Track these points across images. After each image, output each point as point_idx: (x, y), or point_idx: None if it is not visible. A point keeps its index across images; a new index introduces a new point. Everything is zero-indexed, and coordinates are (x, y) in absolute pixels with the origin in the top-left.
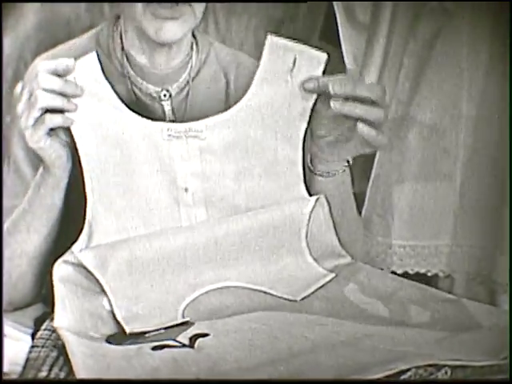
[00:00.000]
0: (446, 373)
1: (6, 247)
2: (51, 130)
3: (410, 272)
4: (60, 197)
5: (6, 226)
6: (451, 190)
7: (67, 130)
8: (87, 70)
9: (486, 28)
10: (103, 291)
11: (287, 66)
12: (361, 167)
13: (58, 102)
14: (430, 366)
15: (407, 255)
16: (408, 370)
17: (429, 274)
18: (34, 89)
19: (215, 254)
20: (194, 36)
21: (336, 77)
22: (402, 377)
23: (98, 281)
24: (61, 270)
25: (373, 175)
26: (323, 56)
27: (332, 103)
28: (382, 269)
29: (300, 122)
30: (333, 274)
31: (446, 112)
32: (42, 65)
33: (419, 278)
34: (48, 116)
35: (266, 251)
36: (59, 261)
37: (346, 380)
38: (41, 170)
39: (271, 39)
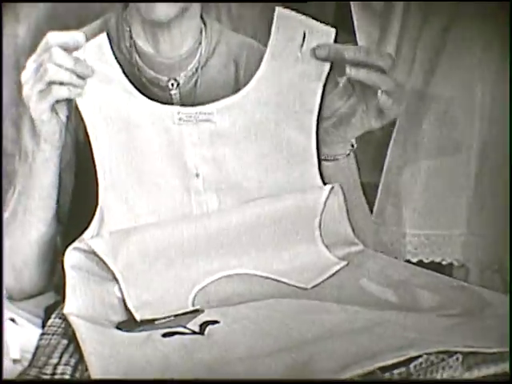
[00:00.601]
0: (457, 359)
1: (8, 234)
2: (55, 104)
3: (425, 261)
4: (50, 176)
5: (6, 213)
6: (465, 180)
7: (77, 113)
8: (98, 52)
9: (499, 17)
10: (114, 278)
11: (297, 42)
12: (373, 157)
13: (67, 77)
14: (441, 352)
15: (421, 244)
16: (419, 356)
17: (443, 263)
18: (44, 61)
19: (226, 241)
20: (204, 23)
21: (348, 45)
22: (413, 363)
23: (109, 268)
24: (72, 256)
25: (386, 165)
26: (332, 31)
27: (348, 68)
28: (396, 257)
29: (311, 104)
30: (344, 262)
31: (460, 102)
32: (54, 37)
33: (434, 267)
34: (55, 87)
35: (278, 239)
36: (70, 248)
37: (347, 380)
38: (31, 147)
39: (279, 11)
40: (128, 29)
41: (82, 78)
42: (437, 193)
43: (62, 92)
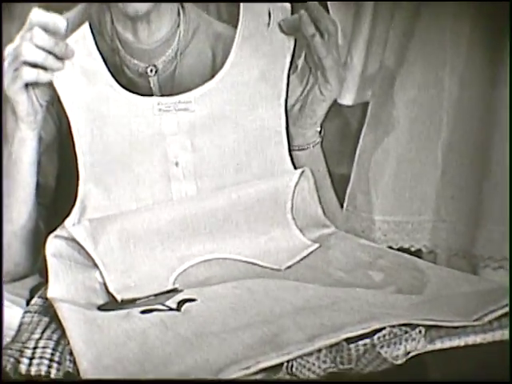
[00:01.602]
0: (420, 332)
1: None
2: (29, 85)
3: (394, 247)
4: (28, 155)
5: None
6: (433, 167)
7: (60, 105)
8: (81, 44)
9: (468, 4)
10: (95, 265)
11: (264, 20)
12: (347, 149)
13: (41, 57)
14: (404, 325)
15: (391, 230)
16: (383, 328)
17: (412, 249)
18: (23, 39)
19: (203, 227)
20: (182, 6)
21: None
22: (377, 335)
23: (89, 255)
24: (53, 244)
25: (358, 152)
26: (288, 6)
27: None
28: None
29: (280, 85)
30: (317, 245)
31: (429, 89)
32: (37, 15)
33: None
34: (25, 69)
35: (252, 224)
36: (51, 236)
37: (345, 380)
38: (10, 126)
39: None
40: (110, 16)
41: (60, 59)
42: (406, 179)
43: (30, 75)
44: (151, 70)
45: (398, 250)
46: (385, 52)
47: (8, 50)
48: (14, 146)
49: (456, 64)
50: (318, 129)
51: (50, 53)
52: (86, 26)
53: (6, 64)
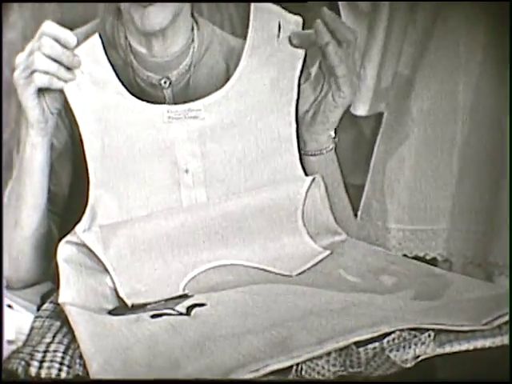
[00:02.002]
0: (429, 336)
1: (5, 221)
2: (41, 92)
3: (409, 255)
4: (38, 162)
5: (4, 199)
6: (449, 176)
7: (71, 112)
8: (91, 53)
9: (482, 16)
10: (106, 270)
11: (274, 32)
12: (362, 159)
13: (52, 67)
14: (413, 329)
15: (406, 239)
16: (392, 332)
17: (427, 258)
18: (34, 49)
19: (214, 233)
20: (195, 21)
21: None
22: (387, 338)
23: (100, 260)
24: (65, 250)
25: (373, 162)
26: (300, 20)
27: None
28: None
29: (290, 93)
30: (328, 251)
31: (444, 99)
32: (49, 27)
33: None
34: (37, 75)
35: (263, 231)
36: (63, 241)
37: (346, 380)
38: (22, 132)
39: (255, 6)
40: (123, 29)
41: (69, 69)
42: (421, 188)
43: (43, 80)
44: (165, 82)
45: (413, 258)
46: (399, 63)
47: (19, 59)
48: (25, 152)
49: (470, 74)
50: (333, 134)
51: (60, 63)
52: (95, 36)
53: (17, 72)
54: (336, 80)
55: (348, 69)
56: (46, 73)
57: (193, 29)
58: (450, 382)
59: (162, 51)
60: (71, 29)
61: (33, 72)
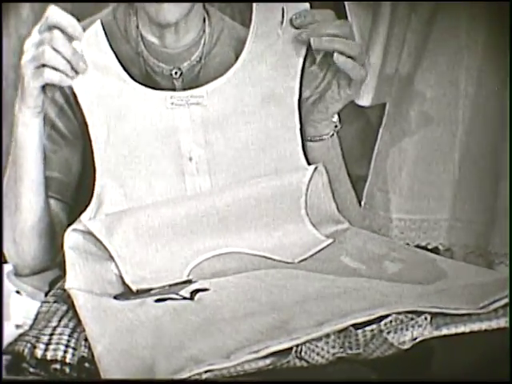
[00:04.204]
0: (425, 318)
1: (6, 205)
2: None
3: (411, 245)
4: (32, 141)
5: (4, 184)
6: (451, 166)
7: (76, 101)
8: (93, 39)
9: (483, 4)
10: (111, 257)
11: (277, 19)
12: (365, 150)
13: (62, 65)
14: (410, 312)
15: (408, 228)
16: (389, 315)
17: (429, 247)
18: (45, 41)
19: (218, 221)
20: (206, 12)
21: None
22: (384, 321)
23: (105, 247)
24: (71, 237)
25: (375, 151)
26: (307, 6)
27: (312, 40)
28: None
29: (293, 82)
30: (331, 240)
31: (446, 87)
32: (56, 16)
33: None
34: (48, 70)
35: (266, 219)
36: (69, 229)
37: (346, 380)
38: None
39: None
40: (135, 19)
41: (75, 70)
42: (423, 178)
43: (53, 77)
44: (176, 73)
45: (415, 247)
46: (402, 53)
47: (27, 45)
48: (18, 129)
49: (472, 65)
50: (335, 121)
51: (68, 61)
52: (97, 23)
53: (26, 59)
54: (347, 80)
55: (360, 74)
56: (56, 69)
57: (204, 20)
58: (450, 381)
59: (174, 42)
60: (81, 19)
61: (43, 65)
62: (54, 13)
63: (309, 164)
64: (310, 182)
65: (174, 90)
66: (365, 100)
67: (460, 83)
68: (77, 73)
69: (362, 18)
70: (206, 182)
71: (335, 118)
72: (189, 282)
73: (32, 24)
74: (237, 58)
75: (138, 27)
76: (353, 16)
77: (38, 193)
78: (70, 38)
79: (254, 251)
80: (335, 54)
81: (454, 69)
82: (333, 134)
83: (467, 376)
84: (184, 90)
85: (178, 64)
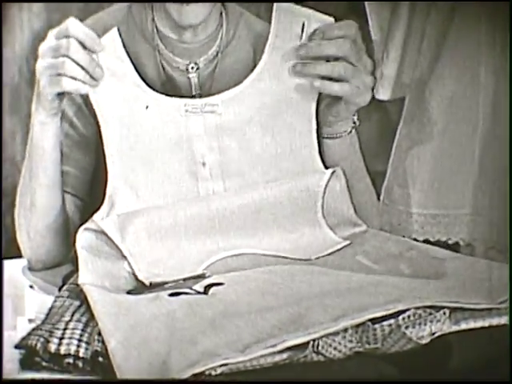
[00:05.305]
0: (444, 313)
1: (21, 202)
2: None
3: (432, 240)
4: (48, 140)
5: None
6: (470, 161)
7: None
8: (110, 46)
9: (504, 3)
10: (123, 256)
11: (296, 32)
12: (383, 145)
13: (80, 75)
14: (429, 307)
15: (428, 223)
16: (407, 310)
17: (450, 242)
18: (62, 50)
19: (231, 223)
20: (223, 6)
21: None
22: (402, 315)
23: (118, 247)
24: (83, 236)
25: (394, 146)
26: (331, 20)
27: (295, 66)
28: (403, 236)
29: (311, 90)
30: (348, 242)
31: (466, 83)
32: (76, 29)
33: (441, 246)
34: (66, 79)
35: (282, 222)
36: (81, 229)
37: (347, 380)
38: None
39: (277, 5)
40: (151, 13)
41: (92, 78)
42: (443, 173)
43: (71, 86)
44: (192, 68)
45: (436, 242)
46: (421, 47)
47: (43, 49)
48: (35, 131)
49: (491, 59)
50: (354, 118)
51: (86, 71)
52: (114, 30)
53: (42, 65)
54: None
55: (351, 91)
56: (74, 78)
57: (221, 14)
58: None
59: (191, 37)
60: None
61: (60, 74)
62: (73, 24)
63: (326, 162)
64: (327, 185)
65: (189, 84)
66: (384, 94)
67: (480, 77)
68: (94, 80)
69: (381, 12)
70: (220, 187)
71: (354, 116)
72: (203, 276)
73: (45, 19)
74: (254, 54)
75: (153, 20)
76: (372, 11)
77: (54, 190)
78: (90, 51)
79: (268, 252)
80: (315, 80)
81: (474, 63)
82: (351, 131)
83: (484, 370)
84: (199, 84)
85: (195, 58)
